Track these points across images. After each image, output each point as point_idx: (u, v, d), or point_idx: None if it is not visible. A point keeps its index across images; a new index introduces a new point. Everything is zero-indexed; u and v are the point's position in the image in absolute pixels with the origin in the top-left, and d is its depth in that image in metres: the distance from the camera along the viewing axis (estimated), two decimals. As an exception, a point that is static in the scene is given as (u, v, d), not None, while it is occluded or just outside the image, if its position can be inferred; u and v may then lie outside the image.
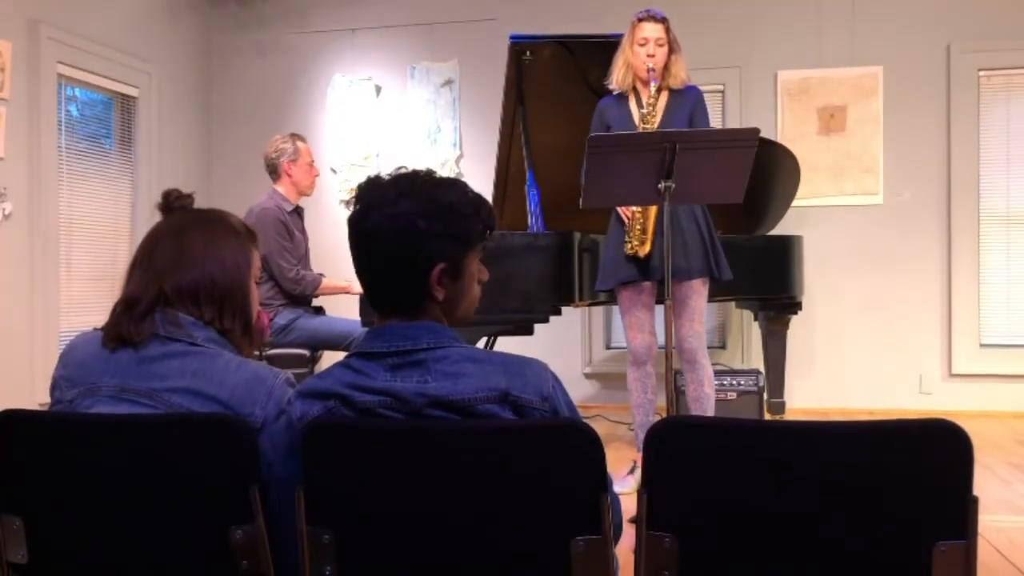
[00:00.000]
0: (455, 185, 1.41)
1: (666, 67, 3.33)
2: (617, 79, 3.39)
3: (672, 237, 3.32)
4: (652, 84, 3.29)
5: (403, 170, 1.42)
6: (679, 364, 3.48)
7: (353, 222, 1.40)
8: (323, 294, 4.33)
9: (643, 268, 3.34)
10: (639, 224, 3.32)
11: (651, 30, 3.30)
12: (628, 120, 3.37)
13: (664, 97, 3.37)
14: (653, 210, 3.31)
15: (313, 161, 4.37)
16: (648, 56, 3.29)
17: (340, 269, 4.46)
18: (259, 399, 1.42)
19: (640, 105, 3.36)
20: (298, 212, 4.32)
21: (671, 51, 3.33)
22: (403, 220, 1.34)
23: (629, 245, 3.34)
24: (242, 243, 1.56)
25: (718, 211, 3.63)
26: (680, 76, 3.35)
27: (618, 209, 3.39)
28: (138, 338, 1.43)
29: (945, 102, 5.32)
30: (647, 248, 3.31)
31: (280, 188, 4.27)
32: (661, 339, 3.45)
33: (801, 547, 1.23)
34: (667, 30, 3.31)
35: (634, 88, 3.40)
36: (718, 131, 3.18)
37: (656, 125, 3.29)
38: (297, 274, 4.16)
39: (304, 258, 4.31)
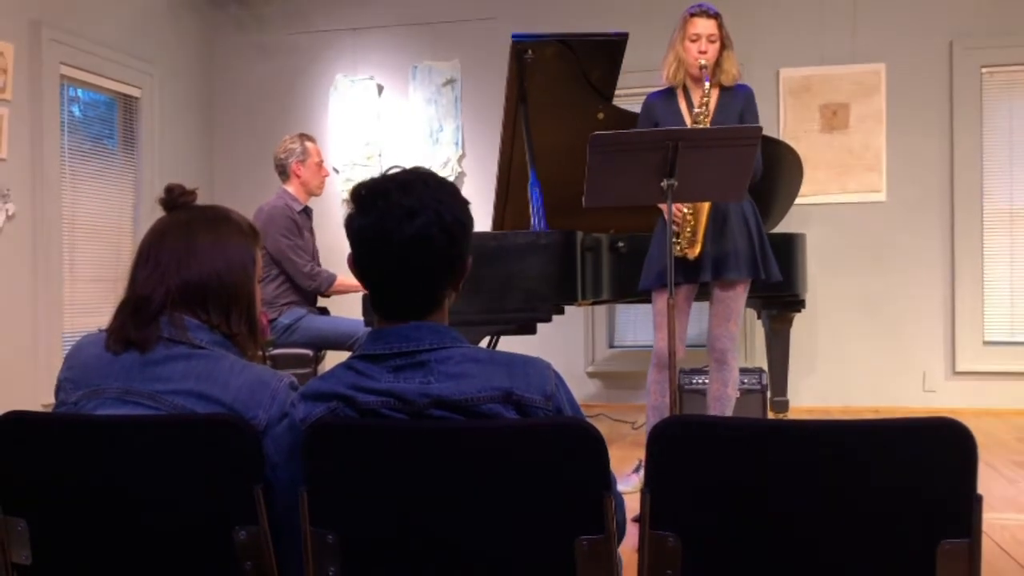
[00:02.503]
0: (457, 192, 1.41)
1: (717, 63, 3.26)
2: (668, 75, 3.32)
3: (722, 237, 3.27)
4: (705, 82, 3.21)
5: (412, 174, 1.39)
6: (682, 364, 3.46)
7: (374, 234, 1.35)
8: (338, 291, 4.29)
9: (687, 270, 3.26)
10: (690, 227, 3.24)
11: (703, 26, 3.23)
12: (678, 117, 3.31)
13: (715, 95, 3.31)
14: (704, 212, 3.24)
15: (322, 161, 4.38)
16: (700, 52, 3.22)
17: (343, 267, 4.47)
18: (263, 402, 1.42)
19: (690, 103, 3.30)
20: (307, 212, 4.32)
21: (723, 47, 3.27)
22: (439, 237, 1.34)
23: (679, 247, 3.23)
24: (247, 242, 1.55)
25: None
26: (731, 72, 3.29)
27: (665, 214, 3.33)
28: (144, 343, 1.42)
29: (948, 99, 5.31)
30: (697, 250, 3.24)
31: (289, 188, 4.28)
32: (698, 339, 3.41)
33: (804, 546, 1.23)
34: (719, 26, 3.24)
35: (683, 84, 3.34)
36: (720, 129, 3.15)
37: (709, 125, 3.23)
38: (312, 269, 4.16)
39: (313, 258, 4.31)
